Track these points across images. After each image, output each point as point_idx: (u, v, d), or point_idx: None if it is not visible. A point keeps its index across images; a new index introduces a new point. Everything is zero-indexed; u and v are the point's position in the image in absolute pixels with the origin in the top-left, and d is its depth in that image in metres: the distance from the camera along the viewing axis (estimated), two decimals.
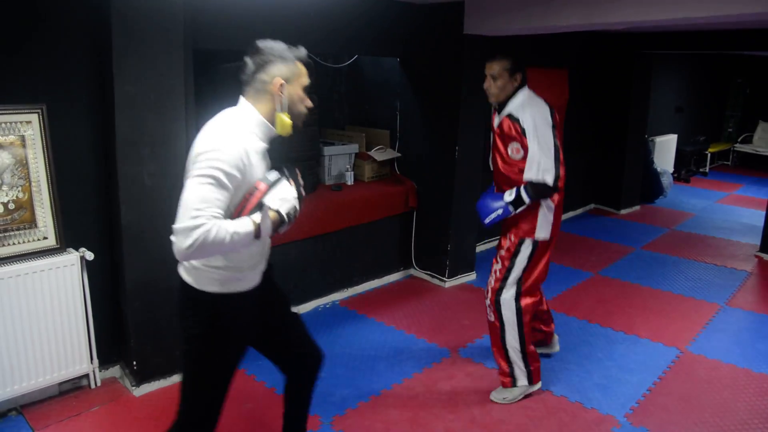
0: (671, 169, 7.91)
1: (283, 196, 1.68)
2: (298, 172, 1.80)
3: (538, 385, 2.87)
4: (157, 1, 2.51)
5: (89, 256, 2.67)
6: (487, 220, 2.70)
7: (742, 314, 3.92)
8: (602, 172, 6.55)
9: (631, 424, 2.65)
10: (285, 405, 2.13)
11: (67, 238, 2.67)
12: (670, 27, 5.21)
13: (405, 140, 4.43)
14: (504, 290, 2.74)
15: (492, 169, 2.84)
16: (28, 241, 2.56)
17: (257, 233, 1.61)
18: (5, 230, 2.49)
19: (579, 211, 6.54)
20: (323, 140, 4.35)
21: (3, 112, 2.45)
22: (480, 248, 4.98)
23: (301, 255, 3.70)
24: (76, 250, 2.66)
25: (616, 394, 2.89)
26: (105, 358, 2.89)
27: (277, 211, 1.66)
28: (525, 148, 2.59)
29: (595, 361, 3.22)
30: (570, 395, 2.88)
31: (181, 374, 1.82)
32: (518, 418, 2.69)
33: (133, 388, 2.79)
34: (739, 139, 9.66)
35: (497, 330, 2.78)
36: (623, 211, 6.55)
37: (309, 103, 1.80)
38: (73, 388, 2.79)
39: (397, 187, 4.25)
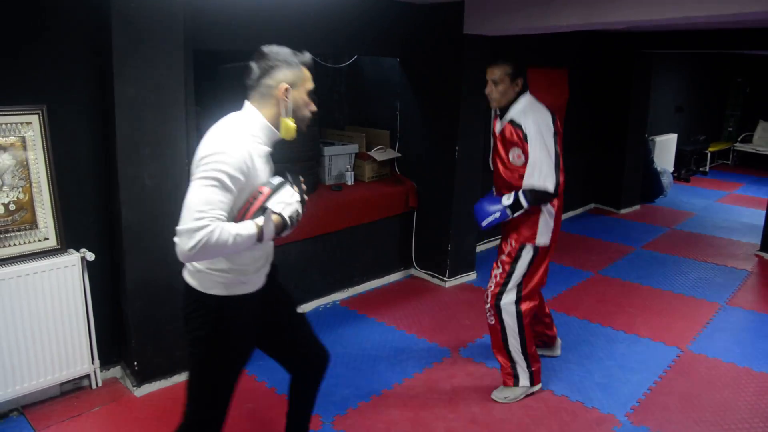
0: (671, 169, 7.90)
1: (287, 200, 1.69)
2: (301, 178, 1.81)
3: (539, 386, 2.87)
4: (158, 1, 2.51)
5: (90, 256, 2.67)
6: (483, 223, 2.70)
7: (742, 313, 3.92)
8: (602, 171, 6.55)
9: (631, 423, 2.66)
10: (289, 404, 2.13)
11: (68, 239, 2.67)
12: (670, 26, 5.21)
13: (405, 140, 4.43)
14: (504, 294, 2.74)
15: (492, 169, 2.85)
16: (29, 242, 2.56)
17: (260, 236, 1.62)
18: (6, 231, 2.49)
19: (579, 210, 6.54)
20: (323, 140, 4.34)
21: (3, 113, 2.45)
22: (480, 248, 4.98)
23: (302, 255, 3.70)
24: (77, 250, 2.67)
25: (617, 394, 2.89)
26: (106, 359, 2.90)
27: (280, 215, 1.67)
28: (526, 154, 2.58)
29: (595, 360, 3.22)
30: (571, 394, 2.88)
31: (186, 375, 1.83)
32: (519, 418, 2.69)
33: (134, 388, 2.80)
34: (739, 139, 9.66)
35: (498, 333, 2.79)
36: (623, 211, 6.55)
37: (314, 108, 1.81)
38: (74, 389, 2.80)
39: (397, 187, 4.25)
